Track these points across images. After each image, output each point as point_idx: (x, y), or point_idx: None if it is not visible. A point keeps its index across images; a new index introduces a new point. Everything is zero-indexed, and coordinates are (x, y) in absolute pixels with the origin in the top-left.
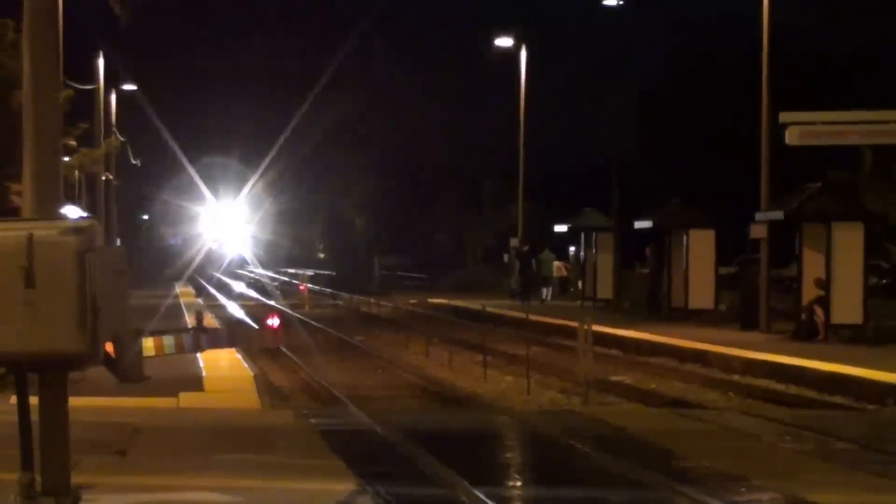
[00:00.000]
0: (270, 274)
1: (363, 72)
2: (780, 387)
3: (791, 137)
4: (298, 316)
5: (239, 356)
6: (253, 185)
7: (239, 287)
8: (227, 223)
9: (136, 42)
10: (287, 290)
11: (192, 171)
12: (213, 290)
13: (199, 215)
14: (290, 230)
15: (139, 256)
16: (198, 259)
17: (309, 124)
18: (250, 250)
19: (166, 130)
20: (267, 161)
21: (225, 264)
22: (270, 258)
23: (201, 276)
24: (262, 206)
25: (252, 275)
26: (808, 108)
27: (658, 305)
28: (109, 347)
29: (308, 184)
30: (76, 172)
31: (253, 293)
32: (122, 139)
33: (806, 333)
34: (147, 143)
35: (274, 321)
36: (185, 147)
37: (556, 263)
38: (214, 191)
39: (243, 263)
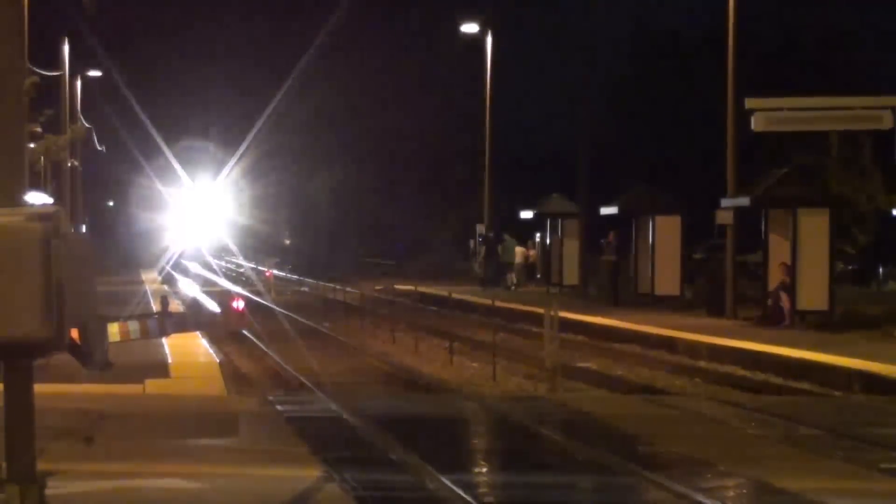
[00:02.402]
0: (254, 265)
1: (337, 57)
2: (746, 373)
3: (757, 123)
4: (264, 302)
5: (204, 342)
6: (231, 170)
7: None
8: (204, 208)
9: (112, 25)
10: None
11: (168, 154)
12: (187, 280)
13: (177, 200)
14: (268, 216)
15: (111, 243)
16: (174, 247)
17: (287, 108)
18: (230, 237)
19: (142, 113)
20: (244, 146)
21: (202, 252)
22: (250, 245)
23: (177, 267)
24: (240, 191)
25: (234, 266)
26: (777, 92)
27: (617, 294)
28: (75, 334)
29: (282, 169)
30: (41, 159)
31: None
32: (87, 125)
33: (772, 319)
34: (122, 128)
35: (239, 304)
36: (162, 131)
37: (519, 249)
38: (192, 175)
39: (222, 251)
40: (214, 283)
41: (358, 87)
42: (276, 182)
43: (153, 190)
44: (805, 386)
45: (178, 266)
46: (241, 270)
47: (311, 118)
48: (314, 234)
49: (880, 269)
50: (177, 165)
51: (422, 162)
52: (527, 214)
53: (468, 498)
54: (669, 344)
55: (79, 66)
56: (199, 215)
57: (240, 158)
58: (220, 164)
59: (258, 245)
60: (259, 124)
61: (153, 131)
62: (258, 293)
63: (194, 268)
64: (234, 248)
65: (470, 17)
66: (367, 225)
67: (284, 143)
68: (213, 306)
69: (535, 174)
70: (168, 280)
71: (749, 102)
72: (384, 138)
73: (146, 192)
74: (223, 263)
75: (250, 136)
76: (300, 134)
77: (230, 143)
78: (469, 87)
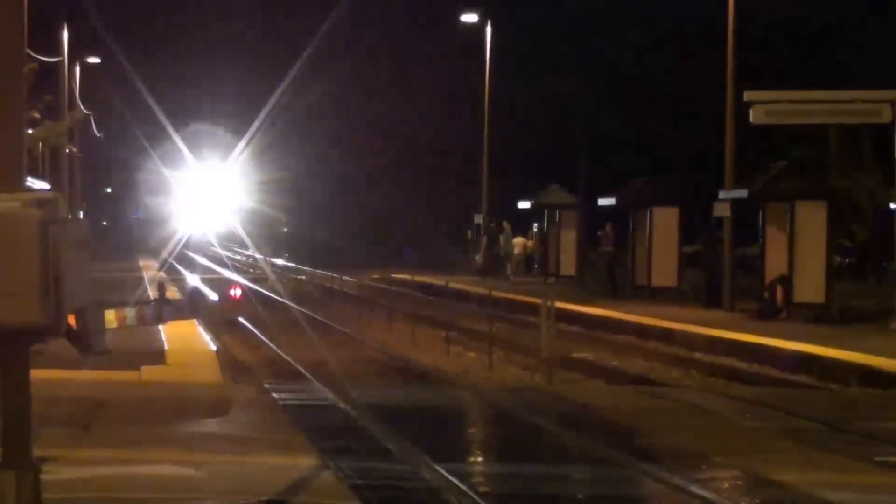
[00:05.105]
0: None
1: (341, 45)
2: (742, 365)
3: (756, 116)
4: (261, 290)
5: (201, 329)
6: (237, 156)
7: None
8: (208, 194)
9: (116, 9)
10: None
11: (175, 137)
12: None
13: (180, 186)
14: (269, 203)
15: (110, 229)
16: (177, 234)
17: (291, 96)
18: (230, 224)
19: (149, 96)
20: (250, 133)
21: (207, 240)
22: (250, 232)
23: (181, 259)
24: (244, 178)
25: (232, 254)
26: (778, 83)
27: (615, 286)
28: (72, 320)
29: (285, 157)
30: (40, 145)
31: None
32: (86, 111)
33: (769, 312)
34: (126, 113)
35: (236, 292)
36: (168, 116)
37: (519, 240)
38: (198, 160)
39: (224, 238)
40: (214, 271)
41: (360, 76)
42: (279, 169)
43: (157, 175)
44: (802, 379)
45: (181, 258)
46: (240, 258)
47: (316, 106)
48: (313, 221)
49: (884, 264)
50: (184, 149)
51: (421, 152)
52: (525, 205)
53: (463, 488)
54: (666, 335)
55: (82, 51)
56: (203, 201)
57: (246, 145)
58: (228, 149)
59: (258, 232)
60: (264, 113)
61: (160, 114)
62: (255, 280)
63: (199, 259)
64: (242, 235)
65: (470, 7)
66: (365, 213)
67: (288, 130)
68: (210, 294)
69: (534, 165)
70: (170, 270)
71: (748, 95)
72: (384, 127)
73: (149, 178)
74: (224, 252)
75: (256, 124)
76: (304, 122)
77: (238, 128)
78: (469, 77)
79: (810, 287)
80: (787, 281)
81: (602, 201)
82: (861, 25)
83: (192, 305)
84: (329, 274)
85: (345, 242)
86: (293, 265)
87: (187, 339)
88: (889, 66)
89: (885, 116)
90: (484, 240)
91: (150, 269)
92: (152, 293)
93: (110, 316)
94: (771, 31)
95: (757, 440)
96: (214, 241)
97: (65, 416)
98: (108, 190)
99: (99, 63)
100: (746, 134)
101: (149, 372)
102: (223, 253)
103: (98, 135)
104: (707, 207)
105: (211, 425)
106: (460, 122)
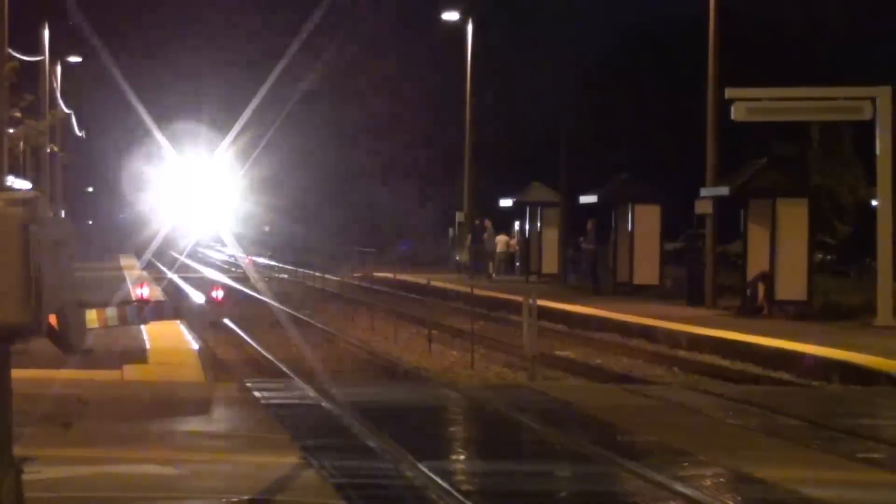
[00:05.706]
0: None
1: (329, 40)
2: (725, 362)
3: (737, 113)
4: (243, 289)
5: (183, 329)
6: (220, 156)
7: None
8: (191, 193)
9: (98, 7)
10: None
11: (158, 136)
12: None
13: (163, 185)
14: (252, 202)
15: (91, 228)
16: (162, 233)
17: (274, 94)
18: (214, 224)
19: (134, 96)
20: (236, 129)
21: (187, 239)
22: (234, 232)
23: (161, 257)
24: (227, 177)
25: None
26: (759, 81)
27: (598, 284)
28: (53, 319)
29: (269, 154)
30: (21, 144)
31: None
32: (68, 111)
33: (751, 309)
34: (108, 111)
35: (218, 293)
36: (152, 114)
37: (502, 238)
38: (181, 160)
39: (208, 239)
40: (196, 270)
41: (347, 74)
42: (263, 168)
43: (139, 174)
44: (783, 376)
45: (164, 257)
46: (223, 257)
47: (302, 104)
48: (297, 220)
49: (866, 260)
50: (167, 148)
51: (402, 149)
52: (507, 203)
53: (445, 486)
54: (648, 333)
55: (63, 49)
56: (186, 200)
57: (230, 144)
58: (212, 148)
59: (241, 231)
60: (248, 112)
61: (142, 113)
62: (238, 280)
63: (182, 258)
64: (225, 234)
65: (452, 5)
66: (351, 211)
67: (272, 130)
68: (194, 295)
69: (516, 162)
70: (152, 269)
71: (729, 92)
72: (373, 125)
73: (132, 177)
74: (207, 251)
75: (240, 123)
76: (289, 120)
77: (222, 126)
78: (451, 75)
79: (792, 284)
80: (768, 278)
81: (584, 199)
82: (856, 26)
83: (175, 308)
84: (311, 273)
85: (329, 241)
86: (276, 264)
87: (169, 338)
88: (883, 66)
89: (867, 114)
90: (468, 238)
91: (132, 269)
92: (134, 293)
93: (92, 315)
94: (766, 31)
95: (739, 437)
96: (198, 240)
97: (46, 415)
98: (90, 189)
99: (80, 62)
100: (729, 131)
101: (131, 371)
102: (206, 252)
103: (80, 134)
104: (692, 205)
105: (193, 424)
106: (444, 120)
